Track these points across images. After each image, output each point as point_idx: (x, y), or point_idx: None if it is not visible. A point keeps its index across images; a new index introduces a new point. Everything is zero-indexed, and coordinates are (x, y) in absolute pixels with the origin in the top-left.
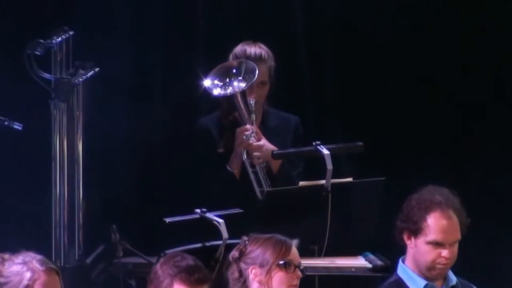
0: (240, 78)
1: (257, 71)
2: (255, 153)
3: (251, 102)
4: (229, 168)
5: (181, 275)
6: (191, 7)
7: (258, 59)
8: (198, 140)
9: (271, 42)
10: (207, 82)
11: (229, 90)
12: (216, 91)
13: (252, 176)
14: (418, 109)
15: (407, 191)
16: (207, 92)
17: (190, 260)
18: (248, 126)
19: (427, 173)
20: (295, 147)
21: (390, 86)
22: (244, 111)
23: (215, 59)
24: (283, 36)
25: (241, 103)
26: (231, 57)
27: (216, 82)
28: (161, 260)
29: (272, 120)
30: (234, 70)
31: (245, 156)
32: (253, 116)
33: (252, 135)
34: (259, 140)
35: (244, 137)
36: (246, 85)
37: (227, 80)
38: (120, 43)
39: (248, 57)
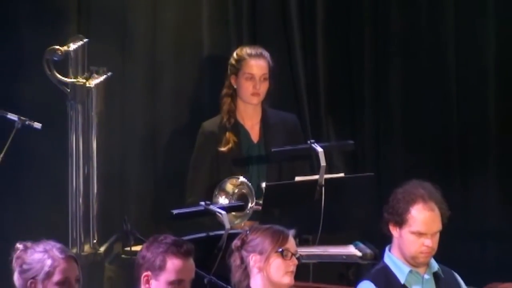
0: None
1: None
2: None
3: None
4: None
5: (172, 249)
6: (198, 12)
7: (259, 55)
8: (203, 144)
9: (271, 41)
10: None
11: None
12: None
13: None
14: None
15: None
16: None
17: (173, 237)
18: None
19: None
20: (296, 145)
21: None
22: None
23: (220, 61)
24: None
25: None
26: (231, 59)
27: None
28: (144, 245)
29: (271, 119)
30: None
31: None
32: None
33: None
34: None
35: None
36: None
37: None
38: (133, 49)
39: (249, 54)
